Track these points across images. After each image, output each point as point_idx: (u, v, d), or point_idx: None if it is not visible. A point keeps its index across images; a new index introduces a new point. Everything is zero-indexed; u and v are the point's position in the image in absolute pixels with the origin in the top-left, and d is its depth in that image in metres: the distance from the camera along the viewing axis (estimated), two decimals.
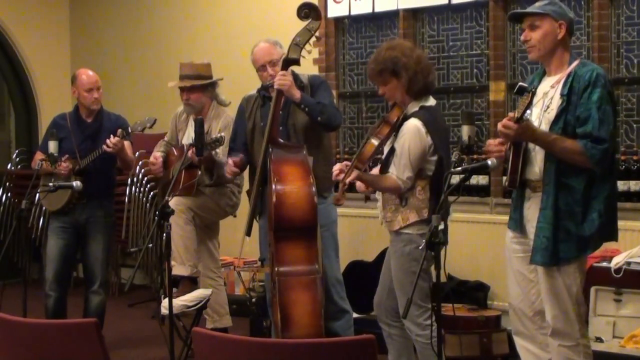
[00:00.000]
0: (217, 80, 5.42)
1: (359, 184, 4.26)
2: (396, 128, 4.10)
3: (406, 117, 4.10)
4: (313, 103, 4.61)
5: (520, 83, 3.58)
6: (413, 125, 4.05)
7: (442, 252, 4.13)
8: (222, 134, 4.96)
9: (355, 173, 4.01)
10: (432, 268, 3.45)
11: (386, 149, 4.18)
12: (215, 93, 5.43)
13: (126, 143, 5.33)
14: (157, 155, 5.40)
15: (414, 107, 4.12)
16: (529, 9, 3.78)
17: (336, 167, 4.10)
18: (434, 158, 4.07)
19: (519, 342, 3.91)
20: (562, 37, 3.71)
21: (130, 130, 5.24)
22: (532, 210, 3.72)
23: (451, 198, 3.62)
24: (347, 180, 3.99)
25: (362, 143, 4.13)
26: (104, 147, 5.19)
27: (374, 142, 4.08)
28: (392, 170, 4.07)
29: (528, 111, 3.54)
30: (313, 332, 4.22)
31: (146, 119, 5.24)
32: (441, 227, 3.94)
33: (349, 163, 4.10)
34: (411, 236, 4.03)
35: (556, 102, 3.65)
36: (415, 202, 4.06)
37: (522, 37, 3.84)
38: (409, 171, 4.03)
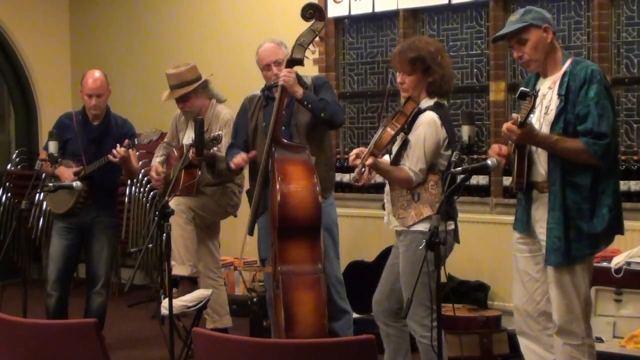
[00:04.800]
0: (205, 79, 5.37)
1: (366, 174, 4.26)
2: (409, 121, 4.10)
3: (420, 111, 4.09)
4: (315, 100, 4.62)
5: (522, 88, 3.59)
6: (430, 117, 4.06)
7: (453, 252, 4.17)
8: (220, 132, 4.97)
9: (372, 158, 3.98)
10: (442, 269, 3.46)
11: (395, 147, 4.17)
12: (210, 91, 5.42)
13: (131, 152, 5.32)
14: (159, 169, 5.39)
15: (428, 103, 4.12)
16: (511, 28, 3.74)
17: (353, 153, 4.09)
18: (447, 153, 4.07)
19: (523, 342, 3.91)
20: (551, 40, 3.71)
21: (136, 142, 5.24)
22: (540, 211, 3.73)
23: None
24: (367, 163, 3.96)
25: (379, 132, 4.09)
26: (110, 157, 5.17)
27: (390, 130, 4.05)
28: (405, 162, 4.06)
29: (532, 115, 3.54)
30: (317, 332, 4.22)
31: (152, 131, 5.25)
32: (451, 227, 3.96)
33: (364, 149, 4.08)
34: (424, 234, 3.95)
35: (554, 103, 3.66)
36: (428, 197, 4.05)
37: (514, 55, 3.84)
38: (422, 163, 4.02)
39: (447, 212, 3.47)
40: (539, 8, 3.81)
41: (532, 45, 3.71)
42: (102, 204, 5.44)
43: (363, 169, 3.99)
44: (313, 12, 4.55)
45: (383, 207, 4.33)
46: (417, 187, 4.06)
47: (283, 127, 4.68)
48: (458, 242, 4.21)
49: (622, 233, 3.78)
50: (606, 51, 5.47)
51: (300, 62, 4.55)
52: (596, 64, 3.80)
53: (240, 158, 4.77)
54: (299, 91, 4.56)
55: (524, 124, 3.50)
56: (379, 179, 4.34)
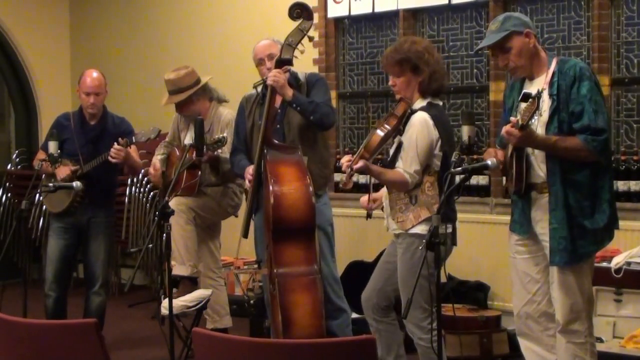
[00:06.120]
0: (203, 84, 5.36)
1: (363, 199, 4.26)
2: (402, 122, 4.09)
3: (413, 112, 4.08)
4: (305, 102, 4.59)
5: (525, 90, 3.58)
6: (421, 117, 4.04)
7: (453, 252, 4.16)
8: (224, 134, 4.97)
9: (362, 162, 3.97)
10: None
11: (392, 149, 4.16)
12: (210, 93, 5.42)
13: (132, 147, 5.32)
14: (157, 165, 5.39)
15: (421, 103, 4.10)
16: (493, 39, 3.74)
17: (344, 159, 4.07)
18: (441, 153, 4.06)
19: (524, 343, 3.91)
20: (533, 44, 3.72)
21: (134, 140, 5.23)
22: (540, 212, 3.73)
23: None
24: (355, 167, 3.95)
25: (369, 134, 4.11)
26: (109, 158, 5.17)
27: (379, 132, 4.05)
28: (399, 164, 4.05)
29: (535, 117, 3.54)
30: (314, 333, 4.21)
31: (151, 129, 5.23)
32: (449, 230, 3.95)
33: (352, 157, 4.08)
34: (422, 237, 3.90)
35: (547, 104, 3.66)
36: (425, 199, 4.04)
37: (500, 64, 3.82)
38: (416, 164, 4.00)
39: (445, 214, 3.45)
40: (517, 13, 3.82)
41: (516, 53, 3.71)
42: (99, 204, 5.44)
43: (352, 173, 3.99)
44: (300, 12, 4.52)
45: (382, 209, 4.32)
46: (414, 189, 4.05)
47: (277, 126, 4.67)
48: (455, 245, 4.19)
49: (617, 227, 3.80)
50: (606, 51, 5.47)
51: (289, 62, 4.53)
52: (583, 62, 3.80)
53: (249, 175, 4.69)
54: (289, 93, 4.54)
55: (526, 127, 3.49)
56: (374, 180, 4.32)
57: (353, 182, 4.12)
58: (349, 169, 3.98)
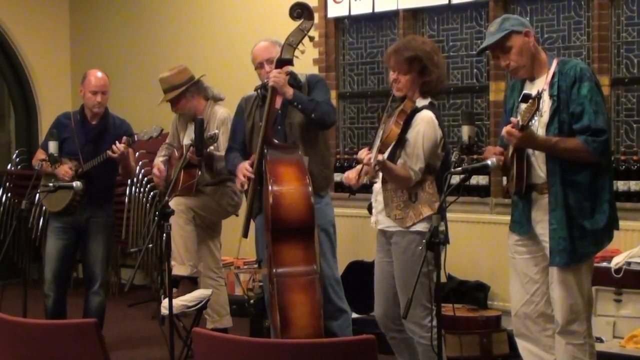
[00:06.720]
0: (195, 81, 5.39)
1: (351, 174, 4.15)
2: (407, 120, 4.07)
3: (417, 110, 4.07)
4: (305, 100, 4.60)
5: (525, 91, 3.58)
6: (428, 116, 4.04)
7: (453, 252, 4.14)
8: (216, 131, 4.98)
9: (381, 156, 3.91)
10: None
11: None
12: (204, 91, 5.43)
13: (130, 150, 5.32)
14: (161, 167, 5.40)
15: (423, 102, 4.10)
16: (493, 39, 3.74)
17: (363, 153, 3.96)
18: (443, 153, 4.07)
19: (521, 344, 3.91)
20: (533, 44, 3.73)
21: (136, 139, 5.24)
22: (540, 213, 3.74)
23: (449, 198, 3.59)
24: (380, 159, 3.87)
25: (384, 130, 4.04)
26: (109, 153, 5.18)
27: (396, 128, 4.00)
28: (403, 161, 4.02)
29: (535, 118, 3.54)
30: (312, 333, 4.20)
31: (153, 127, 5.25)
32: (442, 227, 3.93)
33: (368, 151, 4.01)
34: (423, 235, 3.91)
35: (547, 105, 3.66)
36: (426, 197, 4.03)
37: (502, 64, 3.81)
38: (420, 162, 4.00)
39: (438, 212, 3.45)
40: (515, 15, 3.82)
41: (517, 52, 3.72)
42: (99, 203, 5.43)
43: (377, 167, 3.92)
44: (301, 12, 4.52)
45: (368, 208, 4.29)
46: (415, 186, 4.03)
47: (279, 127, 4.67)
48: (448, 243, 4.15)
49: (617, 228, 3.81)
50: (606, 51, 5.47)
51: (289, 62, 4.53)
52: (583, 62, 3.80)
53: (245, 171, 4.65)
54: (289, 92, 4.54)
55: (526, 127, 3.49)
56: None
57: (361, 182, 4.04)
58: (374, 162, 3.87)
